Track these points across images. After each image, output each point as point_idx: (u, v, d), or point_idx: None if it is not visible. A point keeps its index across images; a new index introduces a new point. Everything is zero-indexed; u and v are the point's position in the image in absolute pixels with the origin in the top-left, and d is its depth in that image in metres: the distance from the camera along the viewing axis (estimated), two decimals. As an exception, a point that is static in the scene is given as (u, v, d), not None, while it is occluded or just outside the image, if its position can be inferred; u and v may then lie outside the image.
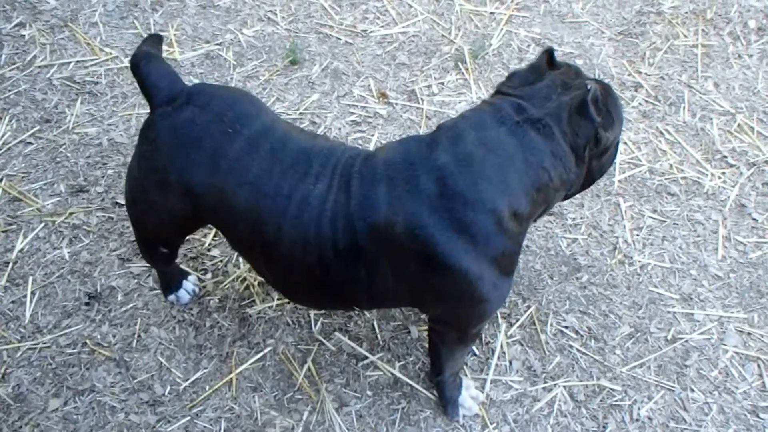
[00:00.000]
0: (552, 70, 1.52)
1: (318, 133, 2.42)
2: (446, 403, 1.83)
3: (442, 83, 2.58)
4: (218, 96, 1.60)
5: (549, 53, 1.55)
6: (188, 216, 1.65)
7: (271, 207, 1.51)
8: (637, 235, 2.18)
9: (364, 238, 1.46)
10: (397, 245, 1.44)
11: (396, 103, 2.52)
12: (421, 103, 2.52)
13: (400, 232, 1.43)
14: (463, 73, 2.61)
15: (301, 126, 2.44)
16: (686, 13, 2.83)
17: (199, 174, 1.55)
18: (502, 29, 2.76)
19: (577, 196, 2.25)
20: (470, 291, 1.46)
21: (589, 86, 1.42)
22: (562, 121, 1.44)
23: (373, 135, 2.43)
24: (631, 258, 2.13)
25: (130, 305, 2.03)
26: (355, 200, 1.47)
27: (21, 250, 2.15)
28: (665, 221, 2.21)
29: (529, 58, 2.65)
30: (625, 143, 2.40)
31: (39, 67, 2.60)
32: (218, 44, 2.70)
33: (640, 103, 2.53)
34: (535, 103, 1.46)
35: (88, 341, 1.96)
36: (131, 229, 2.20)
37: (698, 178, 2.32)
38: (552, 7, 2.85)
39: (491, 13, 2.83)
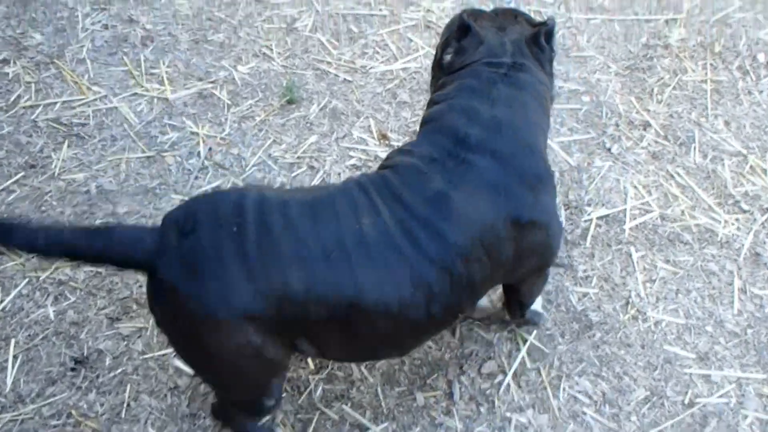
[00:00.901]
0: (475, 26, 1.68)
1: (316, 179, 2.32)
2: (534, 318, 1.97)
3: (445, 123, 2.49)
4: (195, 210, 1.42)
5: (462, 21, 1.68)
6: (268, 344, 1.42)
7: (332, 268, 1.38)
8: (650, 288, 2.09)
9: (458, 244, 1.46)
10: (494, 235, 1.50)
11: (397, 145, 2.43)
12: (423, 145, 2.42)
13: (494, 222, 1.49)
14: (465, 113, 2.52)
15: (299, 170, 2.35)
16: (694, 46, 2.75)
17: (240, 290, 1.35)
18: (505, 64, 2.67)
19: (588, 246, 2.17)
20: (553, 227, 1.60)
21: (546, 21, 1.68)
22: (526, 55, 1.65)
23: (373, 179, 2.33)
24: (645, 313, 2.03)
25: (119, 370, 1.92)
26: (425, 210, 1.45)
27: (3, 309, 2.04)
28: (678, 272, 2.12)
29: (533, 96, 2.56)
30: (635, 187, 2.32)
31: (24, 107, 2.49)
32: (212, 82, 2.59)
33: (649, 144, 2.44)
34: (498, 53, 1.64)
35: (73, 411, 1.84)
36: (120, 285, 2.10)
37: (711, 225, 2.23)
38: (557, 40, 2.76)
39: (493, 46, 2.74)
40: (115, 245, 1.39)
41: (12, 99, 2.51)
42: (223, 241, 1.36)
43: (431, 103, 1.69)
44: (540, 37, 1.65)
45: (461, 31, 1.68)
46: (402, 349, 1.62)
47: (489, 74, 1.60)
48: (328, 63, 2.67)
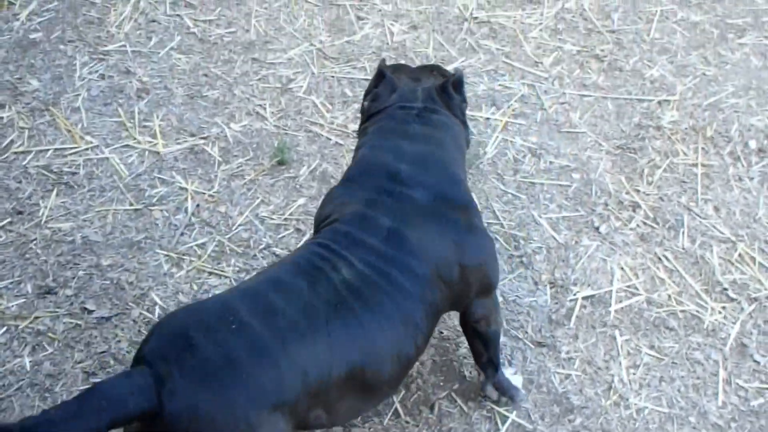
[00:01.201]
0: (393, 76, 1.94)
1: (301, 242, 2.41)
2: (511, 391, 2.03)
3: (435, 193, 2.60)
4: (179, 327, 1.44)
5: (379, 69, 1.95)
6: (291, 427, 1.46)
7: (341, 330, 1.50)
8: (634, 374, 2.15)
9: (425, 274, 1.64)
10: (445, 260, 1.70)
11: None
12: (413, 213, 2.52)
13: (442, 248, 1.69)
14: (457, 183, 2.63)
15: (286, 232, 2.43)
16: (686, 129, 2.90)
17: (265, 383, 1.39)
18: (497, 136, 2.80)
19: (572, 326, 2.25)
20: (488, 244, 1.83)
21: (453, 73, 1.94)
22: (437, 102, 1.88)
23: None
24: (627, 400, 2.09)
25: (89, 430, 1.95)
26: (388, 249, 1.63)
27: (-24, 359, 2.09)
28: (663, 359, 2.20)
29: (524, 170, 2.69)
30: (622, 269, 2.41)
31: (15, 153, 2.60)
32: (204, 138, 2.71)
33: (638, 225, 2.55)
34: (410, 99, 1.88)
35: (38, 471, 1.87)
36: (99, 339, 2.16)
37: (698, 312, 2.32)
38: (549, 116, 2.91)
39: (487, 118, 2.88)
40: (107, 412, 1.31)
41: (4, 144, 2.62)
42: (228, 342, 1.38)
43: (356, 150, 1.92)
44: (448, 86, 1.90)
45: (377, 78, 1.94)
46: (396, 387, 1.77)
47: (403, 115, 1.85)
48: (321, 125, 2.80)
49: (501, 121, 2.85)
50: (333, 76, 2.96)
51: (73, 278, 2.29)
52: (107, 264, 2.33)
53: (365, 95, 2.00)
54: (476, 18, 3.27)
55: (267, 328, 1.42)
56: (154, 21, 3.06)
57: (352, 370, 1.51)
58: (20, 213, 2.44)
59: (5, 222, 2.41)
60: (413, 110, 1.85)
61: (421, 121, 1.83)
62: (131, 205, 2.49)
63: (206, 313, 1.46)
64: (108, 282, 2.28)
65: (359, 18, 3.21)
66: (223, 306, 1.46)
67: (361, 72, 2.98)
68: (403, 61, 3.03)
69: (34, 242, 2.37)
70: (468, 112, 2.85)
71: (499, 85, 3.00)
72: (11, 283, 2.27)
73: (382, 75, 1.92)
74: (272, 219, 2.47)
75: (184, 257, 2.35)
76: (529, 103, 2.94)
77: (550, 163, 2.71)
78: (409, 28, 3.20)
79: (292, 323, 1.45)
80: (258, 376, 1.38)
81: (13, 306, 2.22)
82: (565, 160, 2.73)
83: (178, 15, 3.10)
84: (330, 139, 2.74)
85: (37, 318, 2.19)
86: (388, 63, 2.02)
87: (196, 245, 2.39)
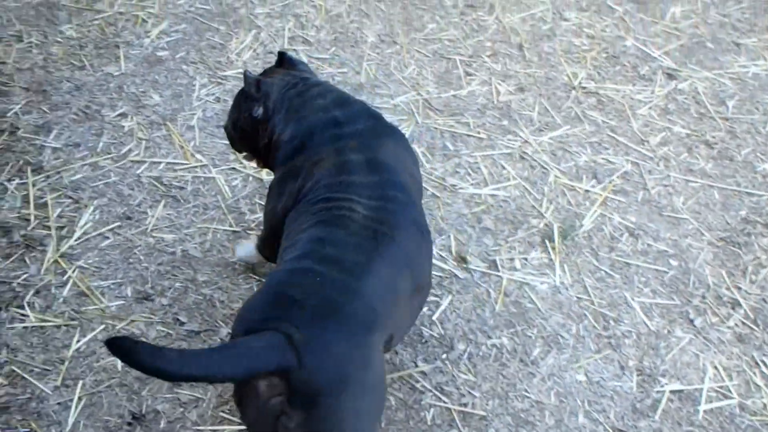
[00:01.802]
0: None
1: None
2: None
3: (526, 259, 2.78)
4: (279, 288, 1.76)
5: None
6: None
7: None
8: (713, 475, 2.25)
9: (407, 183, 2.08)
10: (411, 168, 2.18)
11: (475, 270, 2.72)
12: (501, 276, 2.71)
13: (407, 158, 2.18)
14: (548, 252, 2.81)
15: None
16: (794, 230, 3.00)
17: (370, 310, 1.76)
18: (595, 211, 2.98)
19: (656, 419, 2.36)
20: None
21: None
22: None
23: (445, 299, 2.62)
24: (702, 499, 2.19)
25: (171, 435, 2.19)
26: (377, 176, 2.00)
27: (77, 350, 2.37)
28: (745, 465, 2.28)
29: (620, 249, 2.84)
30: (716, 367, 2.52)
31: (132, 161, 2.93)
32: (308, 171, 2.99)
33: (736, 324, 2.65)
34: (294, 81, 2.26)
35: (122, 467, 2.12)
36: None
37: (788, 422, 2.40)
38: (651, 196, 3.07)
39: (586, 191, 3.06)
40: (246, 360, 1.57)
41: (123, 151, 2.96)
42: (322, 291, 1.73)
43: (287, 144, 2.17)
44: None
45: (255, 85, 2.20)
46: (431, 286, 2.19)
47: (313, 88, 2.21)
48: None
49: (601, 195, 3.03)
50: (436, 128, 3.21)
51: (170, 288, 2.57)
52: (202, 280, 2.60)
53: (241, 112, 2.27)
54: (584, 88, 3.49)
55: (340, 272, 1.76)
56: (271, 53, 3.41)
57: (409, 283, 1.88)
58: (129, 218, 2.76)
59: (115, 225, 2.73)
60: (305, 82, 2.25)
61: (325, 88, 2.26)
62: (231, 226, 2.77)
63: (291, 276, 1.77)
64: (201, 297, 2.55)
65: (467, 74, 3.48)
66: (298, 269, 1.77)
67: (464, 127, 3.23)
68: (506, 122, 3.27)
69: (138, 248, 2.67)
70: (568, 181, 3.06)
71: (602, 158, 3.19)
72: (114, 283, 2.57)
73: (257, 81, 2.23)
74: (364, 260, 2.70)
75: (275, 284, 2.60)
76: (632, 181, 3.10)
77: (648, 245, 2.86)
78: (515, 90, 3.43)
79: (355, 263, 1.79)
80: (356, 310, 1.71)
81: (113, 306, 2.50)
82: (663, 245, 2.88)
83: (294, 50, 3.43)
84: (427, 190, 2.97)
85: (133, 321, 2.47)
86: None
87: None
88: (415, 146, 3.12)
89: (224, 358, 1.57)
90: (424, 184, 2.99)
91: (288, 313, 1.67)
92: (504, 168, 3.10)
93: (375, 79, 3.37)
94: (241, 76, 3.27)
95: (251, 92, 2.20)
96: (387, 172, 2.02)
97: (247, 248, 2.55)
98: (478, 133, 3.22)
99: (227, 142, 3.05)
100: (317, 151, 2.08)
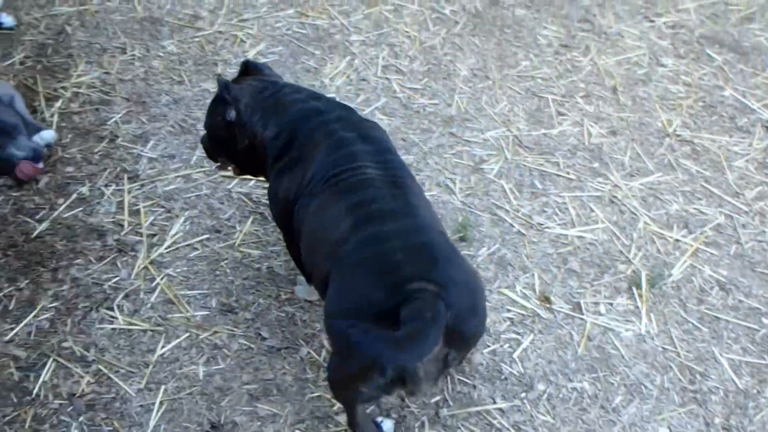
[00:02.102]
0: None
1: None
2: None
3: (611, 304, 2.80)
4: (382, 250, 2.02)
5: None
6: None
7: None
8: None
9: (395, 147, 2.49)
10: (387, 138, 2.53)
11: (558, 312, 2.76)
12: (585, 319, 2.74)
13: (383, 131, 2.49)
14: (635, 299, 2.82)
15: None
16: None
17: None
18: (685, 261, 2.97)
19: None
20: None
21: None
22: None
23: (526, 338, 2.66)
24: None
25: (248, 448, 2.29)
26: (371, 146, 2.28)
27: (161, 355, 2.51)
28: None
29: (710, 302, 2.83)
30: (804, 432, 2.48)
31: (224, 176, 3.10)
32: (393, 199, 3.09)
33: (828, 390, 2.61)
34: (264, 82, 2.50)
35: (200, 473, 2.22)
36: (266, 366, 2.52)
37: None
38: (744, 251, 3.05)
39: (676, 240, 3.06)
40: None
41: (215, 165, 3.13)
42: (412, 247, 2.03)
43: (274, 141, 2.35)
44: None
45: (225, 88, 2.40)
46: None
47: (285, 88, 2.44)
48: (506, 211, 3.10)
49: (691, 246, 3.03)
50: (525, 165, 3.28)
51: (254, 303, 2.69)
52: (285, 298, 2.71)
53: (219, 116, 2.45)
54: (679, 136, 3.50)
55: (399, 220, 2.03)
56: (364, 80, 3.55)
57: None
58: (218, 232, 2.91)
59: (204, 237, 2.88)
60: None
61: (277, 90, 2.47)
62: (315, 247, 2.89)
63: (366, 247, 2.00)
64: (284, 315, 2.66)
65: (559, 113, 3.54)
66: (365, 237, 2.00)
67: (553, 166, 3.28)
68: (596, 164, 3.31)
69: (225, 261, 2.81)
70: (658, 229, 3.07)
71: (695, 208, 3.19)
72: (200, 294, 2.71)
73: (226, 83, 2.42)
74: (445, 292, 2.77)
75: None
76: (724, 234, 3.09)
77: (740, 301, 2.84)
78: (608, 133, 3.48)
79: (401, 207, 2.08)
80: (437, 239, 2.05)
81: (198, 316, 2.64)
82: (756, 302, 2.85)
83: (387, 78, 3.58)
84: (513, 226, 3.03)
85: (216, 332, 2.59)
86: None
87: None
88: (502, 182, 3.20)
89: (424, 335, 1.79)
90: (509, 220, 3.06)
91: (404, 275, 1.89)
92: (592, 210, 3.14)
93: (466, 112, 3.47)
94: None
95: (223, 95, 2.40)
96: (378, 142, 2.31)
97: (304, 286, 2.68)
98: (568, 173, 3.27)
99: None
100: (309, 138, 2.28)
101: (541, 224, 3.07)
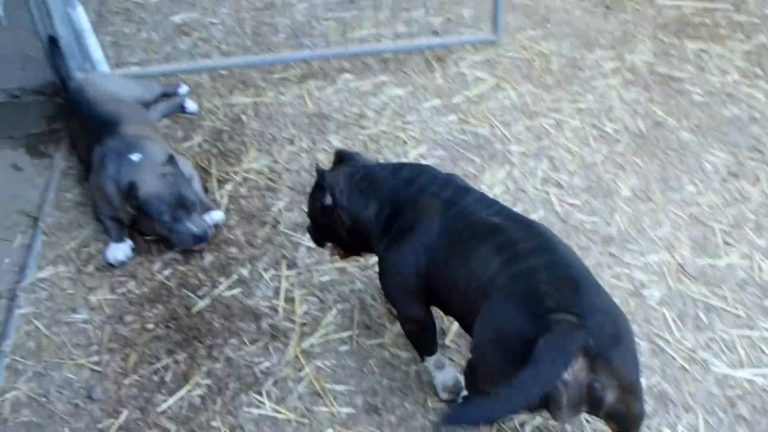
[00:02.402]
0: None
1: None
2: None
3: (788, 460, 2.58)
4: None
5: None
6: None
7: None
8: None
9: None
10: None
11: (725, 461, 2.56)
12: (757, 474, 2.53)
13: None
14: (815, 459, 2.58)
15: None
16: None
17: None
18: None
19: None
20: None
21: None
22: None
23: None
24: None
25: None
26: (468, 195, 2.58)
27: None
28: None
29: None
30: None
31: (376, 272, 3.17)
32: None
33: None
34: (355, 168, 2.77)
35: None
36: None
37: None
38: None
39: None
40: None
41: (371, 262, 3.23)
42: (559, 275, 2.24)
43: (378, 217, 2.57)
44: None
45: (320, 175, 2.69)
46: None
47: (374, 167, 2.72)
48: (667, 341, 2.97)
49: None
50: (689, 295, 3.15)
51: (399, 407, 2.68)
52: (432, 406, 2.69)
53: (320, 200, 2.68)
54: None
55: (540, 256, 2.20)
56: (522, 190, 3.60)
57: None
58: (368, 328, 2.96)
59: (355, 333, 2.94)
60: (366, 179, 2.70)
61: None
62: (462, 357, 2.87)
63: (517, 280, 2.16)
64: (429, 423, 2.64)
65: (726, 243, 3.41)
66: (517, 272, 2.17)
67: (720, 300, 3.14)
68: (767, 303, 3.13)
69: (373, 360, 2.84)
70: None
71: None
72: (347, 390, 2.74)
73: (321, 173, 2.72)
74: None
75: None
76: None
77: None
78: (781, 270, 3.30)
79: (538, 245, 2.25)
80: (577, 270, 2.22)
81: (343, 412, 2.66)
82: None
83: (546, 191, 3.60)
84: (675, 360, 2.89)
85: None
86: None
87: (516, 419, 2.66)
88: (664, 310, 3.08)
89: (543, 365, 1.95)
90: (672, 352, 2.92)
91: (547, 304, 2.04)
92: (764, 353, 2.94)
93: (626, 232, 3.41)
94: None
95: (320, 182, 2.67)
96: (474, 191, 2.55)
97: (447, 375, 2.71)
98: (736, 309, 3.11)
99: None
100: (413, 204, 2.49)
101: (706, 360, 2.90)
